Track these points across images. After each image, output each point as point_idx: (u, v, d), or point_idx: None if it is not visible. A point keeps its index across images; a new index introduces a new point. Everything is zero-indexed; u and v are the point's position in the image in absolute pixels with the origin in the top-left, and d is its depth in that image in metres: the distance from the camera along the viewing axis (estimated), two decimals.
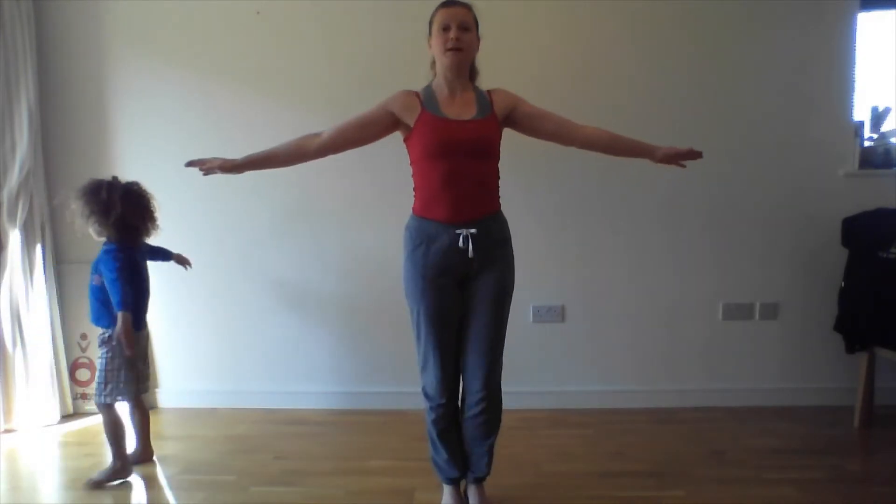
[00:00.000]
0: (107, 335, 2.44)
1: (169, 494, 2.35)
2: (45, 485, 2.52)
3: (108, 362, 2.43)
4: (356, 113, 2.11)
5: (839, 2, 2.99)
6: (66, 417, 3.16)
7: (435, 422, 2.13)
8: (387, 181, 3.10)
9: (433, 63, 2.09)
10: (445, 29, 1.98)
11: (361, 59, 3.10)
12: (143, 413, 2.61)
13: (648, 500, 2.24)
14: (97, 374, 2.45)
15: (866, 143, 3.17)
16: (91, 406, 3.25)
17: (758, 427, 2.89)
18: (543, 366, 3.20)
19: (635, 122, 3.05)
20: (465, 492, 2.22)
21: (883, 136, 3.18)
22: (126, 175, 3.31)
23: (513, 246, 2.14)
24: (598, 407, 3.11)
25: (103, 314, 2.46)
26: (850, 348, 2.85)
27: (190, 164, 2.19)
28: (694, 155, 2.11)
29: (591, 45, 3.06)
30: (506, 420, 2.98)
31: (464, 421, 2.16)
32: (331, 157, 3.20)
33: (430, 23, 2.06)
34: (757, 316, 3.15)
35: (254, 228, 3.21)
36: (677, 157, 2.12)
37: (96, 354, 3.20)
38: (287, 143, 2.16)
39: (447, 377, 2.09)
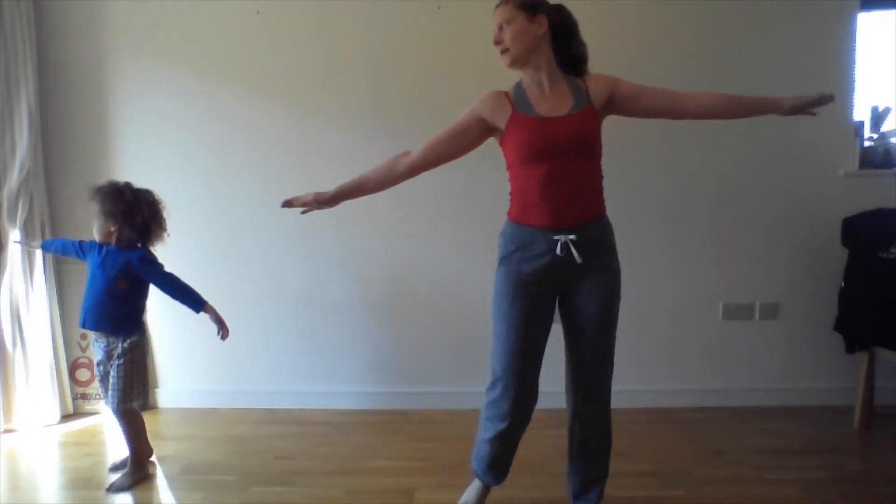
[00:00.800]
0: (128, 343, 2.41)
1: (169, 494, 2.35)
2: (45, 485, 2.52)
3: (130, 368, 2.41)
4: (446, 126, 1.95)
5: (839, 2, 2.99)
6: (66, 417, 3.16)
7: (498, 432, 2.04)
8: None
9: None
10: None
11: (361, 59, 3.10)
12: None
13: (648, 500, 2.24)
14: (117, 380, 2.40)
15: (866, 143, 3.17)
16: (91, 406, 3.25)
17: (758, 427, 2.89)
18: (543, 366, 3.19)
19: (635, 122, 3.06)
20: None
21: (883, 136, 3.19)
22: (126, 175, 3.31)
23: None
24: None
25: (126, 320, 2.42)
26: (850, 348, 2.85)
27: (286, 204, 2.09)
28: (825, 100, 1.85)
29: (590, 45, 3.05)
30: None
31: (569, 446, 2.12)
32: (331, 159, 3.23)
33: None
34: (757, 316, 3.15)
35: (254, 229, 3.21)
36: (808, 106, 1.86)
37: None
38: (377, 167, 2.03)
39: (520, 388, 1.98)
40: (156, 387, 3.31)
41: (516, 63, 1.84)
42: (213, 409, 3.23)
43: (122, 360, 2.40)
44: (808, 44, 3.01)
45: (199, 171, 3.20)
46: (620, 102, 1.89)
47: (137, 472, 2.46)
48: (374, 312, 3.20)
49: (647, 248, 3.13)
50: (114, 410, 2.44)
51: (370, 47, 3.10)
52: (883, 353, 2.74)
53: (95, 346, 2.46)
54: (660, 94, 1.90)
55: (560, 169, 1.80)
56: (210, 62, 3.14)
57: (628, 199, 3.09)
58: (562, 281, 1.89)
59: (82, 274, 3.23)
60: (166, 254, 3.23)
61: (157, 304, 3.28)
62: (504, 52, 1.83)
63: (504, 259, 1.91)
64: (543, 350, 1.99)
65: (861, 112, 3.13)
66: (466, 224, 3.12)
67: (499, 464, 2.11)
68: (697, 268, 3.13)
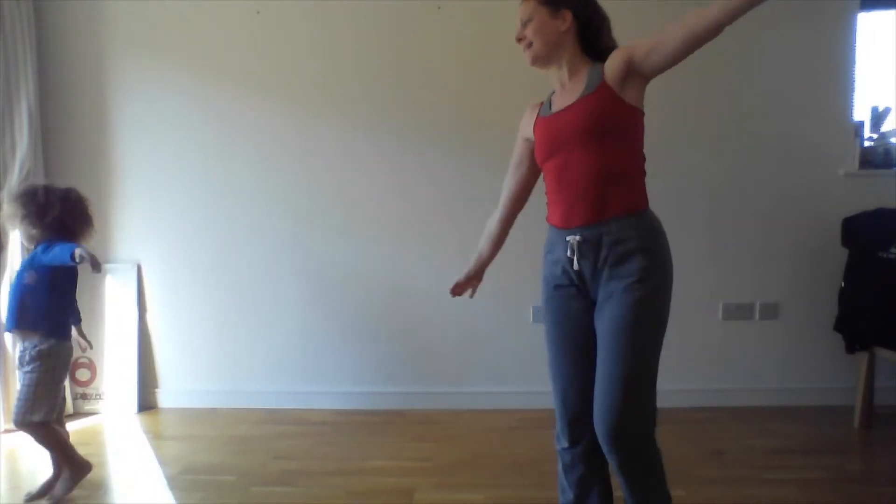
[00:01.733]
0: (43, 346, 2.22)
1: (169, 494, 2.35)
2: None
3: (44, 377, 2.21)
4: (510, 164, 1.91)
5: (839, 2, 2.99)
6: (66, 417, 3.15)
7: (563, 465, 1.75)
8: (389, 188, 3.12)
9: None
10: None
11: (361, 59, 3.11)
12: (64, 431, 2.42)
13: None
14: (24, 389, 2.21)
15: (866, 143, 3.17)
16: (91, 406, 3.25)
17: (758, 427, 2.89)
18: (544, 366, 3.18)
19: None
20: None
21: (883, 136, 3.18)
22: (127, 174, 3.32)
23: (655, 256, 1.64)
24: None
25: (40, 318, 2.23)
26: (850, 348, 2.85)
27: (455, 292, 2.00)
28: None
29: None
30: (506, 420, 3.01)
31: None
32: (332, 158, 3.23)
33: None
34: (757, 316, 3.15)
35: (255, 229, 3.21)
36: None
37: (97, 354, 3.23)
38: (487, 232, 1.99)
39: (569, 413, 1.69)
40: (156, 387, 3.31)
41: (538, 60, 1.73)
42: (213, 409, 3.23)
43: (29, 368, 2.22)
44: (808, 44, 3.01)
45: (199, 171, 3.20)
46: (641, 65, 1.65)
47: (74, 475, 2.31)
48: (374, 312, 3.20)
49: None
50: (14, 422, 2.23)
51: (370, 47, 3.10)
52: (883, 353, 2.74)
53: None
54: (669, 37, 1.65)
55: (570, 161, 1.64)
56: (210, 62, 3.14)
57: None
58: (584, 290, 1.66)
59: (82, 274, 3.24)
60: (166, 254, 3.24)
61: (158, 304, 3.29)
62: (527, 47, 1.73)
63: (543, 260, 1.78)
64: (588, 373, 1.65)
65: (861, 112, 3.13)
66: (469, 226, 3.12)
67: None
68: (697, 268, 3.13)
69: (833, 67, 3.02)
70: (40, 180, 3.10)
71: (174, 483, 2.43)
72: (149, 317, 3.29)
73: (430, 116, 3.11)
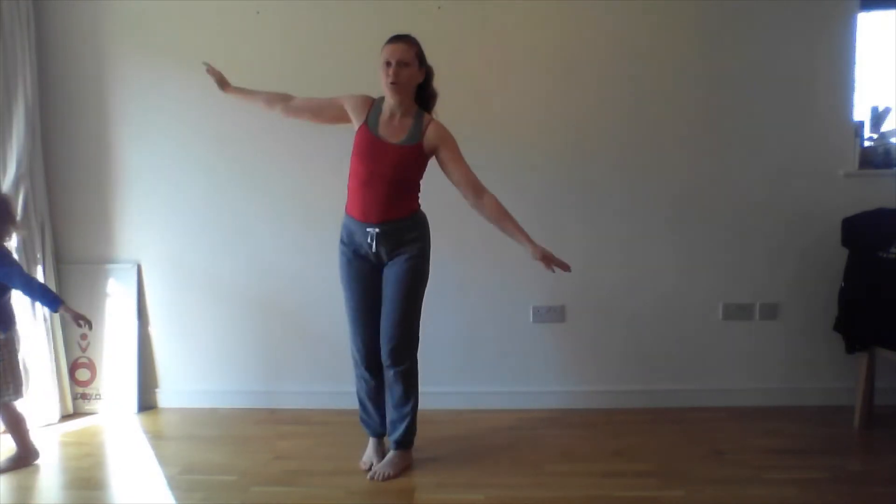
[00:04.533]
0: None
1: (169, 494, 2.35)
2: (45, 485, 2.51)
3: (5, 363, 2.50)
4: (325, 96, 2.47)
5: (839, 2, 2.99)
6: (66, 417, 3.16)
7: (359, 377, 2.63)
8: None
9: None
10: (387, 64, 2.25)
11: (361, 60, 3.10)
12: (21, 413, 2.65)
13: (648, 500, 2.24)
14: None
15: (866, 143, 3.17)
16: (91, 406, 3.25)
17: (758, 427, 2.89)
18: (544, 366, 3.20)
19: (635, 122, 3.07)
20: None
21: (883, 136, 3.19)
22: (127, 174, 3.32)
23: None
24: (599, 407, 3.11)
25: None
26: (850, 348, 2.85)
27: (209, 69, 2.62)
28: (563, 267, 2.27)
29: (591, 46, 3.06)
30: (506, 420, 3.01)
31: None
32: (332, 158, 3.23)
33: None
34: (757, 316, 3.15)
35: (255, 228, 3.20)
36: (550, 262, 2.26)
37: (97, 354, 3.23)
38: (267, 93, 2.56)
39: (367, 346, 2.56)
40: (156, 387, 3.31)
41: (397, 96, 2.27)
42: (213, 409, 3.23)
43: None
44: (808, 44, 3.01)
45: (198, 171, 3.20)
46: (439, 160, 2.36)
47: (20, 458, 2.57)
48: None
49: (647, 248, 3.13)
50: None
51: (370, 47, 3.08)
52: (883, 353, 2.74)
53: None
54: (462, 174, 2.32)
55: (374, 176, 2.32)
56: (210, 62, 3.13)
57: (629, 200, 3.10)
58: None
59: (82, 274, 3.25)
60: (166, 254, 3.24)
61: (158, 304, 3.28)
62: (393, 84, 2.24)
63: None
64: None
65: (861, 112, 3.13)
66: (468, 225, 3.12)
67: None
68: (697, 268, 3.13)
69: (833, 67, 3.02)
70: (41, 180, 3.11)
71: (174, 483, 2.43)
72: (149, 316, 3.29)
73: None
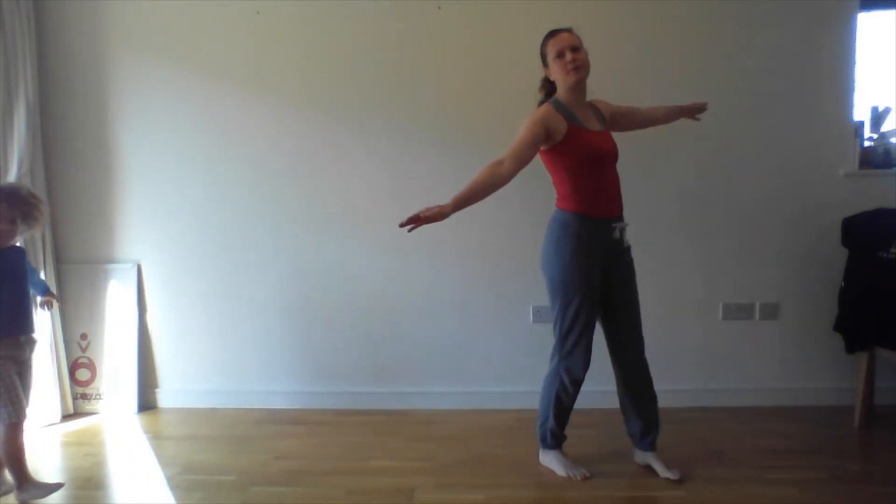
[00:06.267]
0: None
1: (169, 494, 2.35)
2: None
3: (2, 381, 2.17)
4: (519, 135, 2.19)
5: (839, 2, 2.99)
6: (66, 417, 3.16)
7: (573, 382, 2.61)
8: (389, 189, 3.12)
9: (543, 84, 2.35)
10: (561, 55, 2.22)
11: (362, 60, 3.10)
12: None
13: (648, 500, 2.24)
14: None
15: (866, 143, 3.17)
16: (91, 406, 3.25)
17: (758, 427, 2.89)
18: (543, 366, 3.20)
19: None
20: None
21: (883, 136, 3.19)
22: (127, 174, 3.33)
23: (551, 244, 2.33)
24: (599, 407, 3.10)
25: None
26: (850, 348, 2.85)
27: (406, 224, 2.14)
28: (700, 107, 2.56)
29: (590, 44, 3.05)
30: (506, 420, 3.01)
31: None
32: (332, 158, 3.24)
33: (544, 54, 2.31)
34: (757, 316, 3.15)
35: (255, 228, 3.21)
36: (692, 113, 2.56)
37: (97, 354, 3.23)
38: (481, 177, 2.16)
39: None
40: (156, 387, 3.31)
41: (582, 81, 2.24)
42: (213, 409, 3.23)
43: None
44: (808, 44, 3.01)
45: (198, 171, 3.20)
46: (617, 120, 2.42)
47: (31, 490, 2.25)
48: (373, 313, 3.20)
49: (646, 248, 3.12)
50: None
51: (370, 48, 3.10)
52: (883, 353, 2.74)
53: None
54: (636, 111, 2.47)
55: (610, 169, 2.30)
56: (210, 62, 3.14)
57: (628, 200, 3.09)
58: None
59: (83, 274, 3.25)
60: (166, 254, 3.25)
61: (158, 304, 3.29)
62: (579, 68, 2.20)
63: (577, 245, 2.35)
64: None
65: (861, 112, 3.13)
66: (468, 225, 3.12)
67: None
68: (697, 268, 3.13)
69: (833, 67, 3.02)
70: (41, 180, 3.11)
71: (174, 483, 2.43)
72: (149, 317, 3.29)
73: (430, 117, 3.11)
